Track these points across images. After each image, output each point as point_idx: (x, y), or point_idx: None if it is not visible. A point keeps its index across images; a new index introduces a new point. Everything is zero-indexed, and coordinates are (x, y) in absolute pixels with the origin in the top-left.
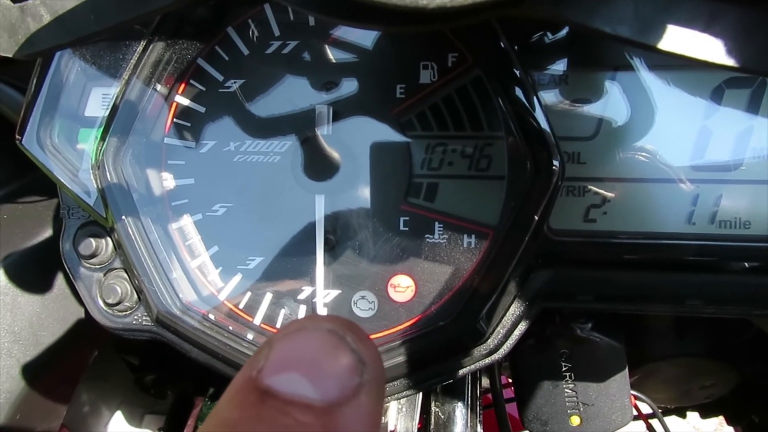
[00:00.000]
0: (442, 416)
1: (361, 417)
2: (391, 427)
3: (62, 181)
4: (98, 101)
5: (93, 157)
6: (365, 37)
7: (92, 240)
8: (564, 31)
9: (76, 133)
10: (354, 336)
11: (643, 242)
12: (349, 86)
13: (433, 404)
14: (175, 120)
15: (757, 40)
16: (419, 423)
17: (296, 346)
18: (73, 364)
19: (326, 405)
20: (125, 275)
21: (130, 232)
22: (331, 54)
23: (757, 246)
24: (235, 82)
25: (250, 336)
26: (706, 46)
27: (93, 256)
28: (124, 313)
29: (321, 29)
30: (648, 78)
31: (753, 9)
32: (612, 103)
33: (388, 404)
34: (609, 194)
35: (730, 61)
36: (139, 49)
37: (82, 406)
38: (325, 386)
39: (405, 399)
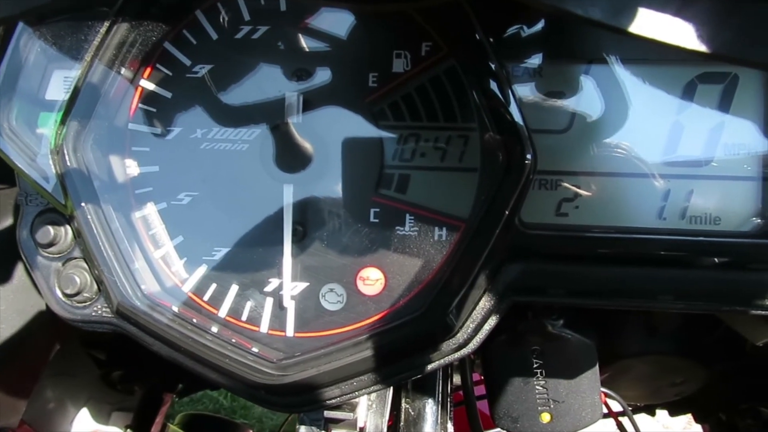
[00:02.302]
0: (413, 413)
1: None
2: (360, 424)
3: (19, 166)
4: (59, 84)
5: (52, 141)
6: (338, 25)
7: (50, 228)
8: (540, 24)
9: (36, 117)
10: None
11: (614, 236)
12: (320, 75)
13: (403, 401)
14: (140, 105)
15: (732, 25)
16: (389, 420)
17: None
18: (34, 358)
19: None
20: (85, 265)
21: (90, 220)
22: (303, 41)
23: (726, 242)
24: (203, 68)
25: (214, 329)
26: (679, 31)
27: (51, 244)
28: (83, 304)
29: (292, 15)
30: (622, 72)
31: None
32: (586, 97)
33: (357, 400)
34: (581, 189)
35: (702, 47)
36: (103, 30)
37: (47, 402)
38: None
39: (375, 395)
